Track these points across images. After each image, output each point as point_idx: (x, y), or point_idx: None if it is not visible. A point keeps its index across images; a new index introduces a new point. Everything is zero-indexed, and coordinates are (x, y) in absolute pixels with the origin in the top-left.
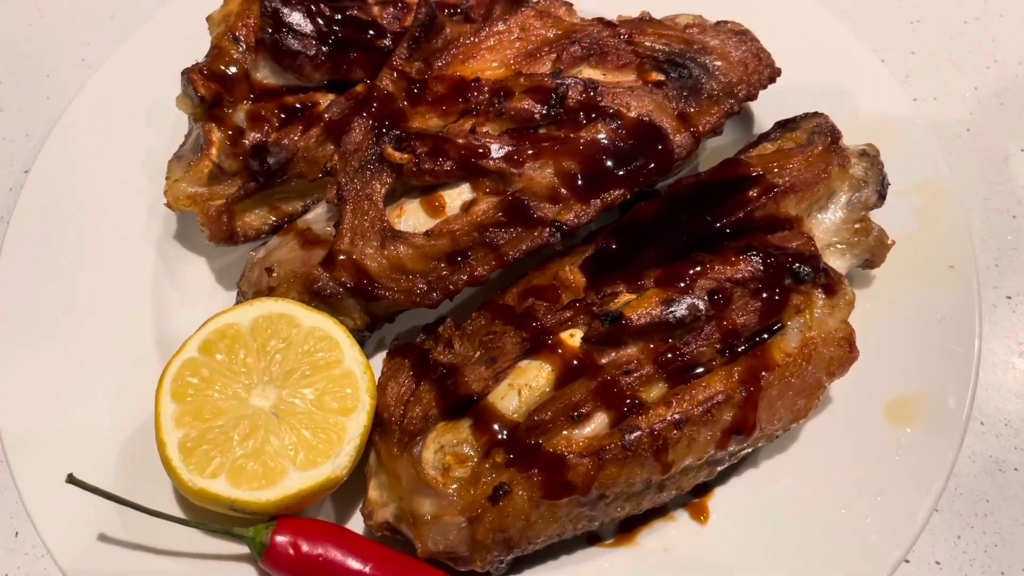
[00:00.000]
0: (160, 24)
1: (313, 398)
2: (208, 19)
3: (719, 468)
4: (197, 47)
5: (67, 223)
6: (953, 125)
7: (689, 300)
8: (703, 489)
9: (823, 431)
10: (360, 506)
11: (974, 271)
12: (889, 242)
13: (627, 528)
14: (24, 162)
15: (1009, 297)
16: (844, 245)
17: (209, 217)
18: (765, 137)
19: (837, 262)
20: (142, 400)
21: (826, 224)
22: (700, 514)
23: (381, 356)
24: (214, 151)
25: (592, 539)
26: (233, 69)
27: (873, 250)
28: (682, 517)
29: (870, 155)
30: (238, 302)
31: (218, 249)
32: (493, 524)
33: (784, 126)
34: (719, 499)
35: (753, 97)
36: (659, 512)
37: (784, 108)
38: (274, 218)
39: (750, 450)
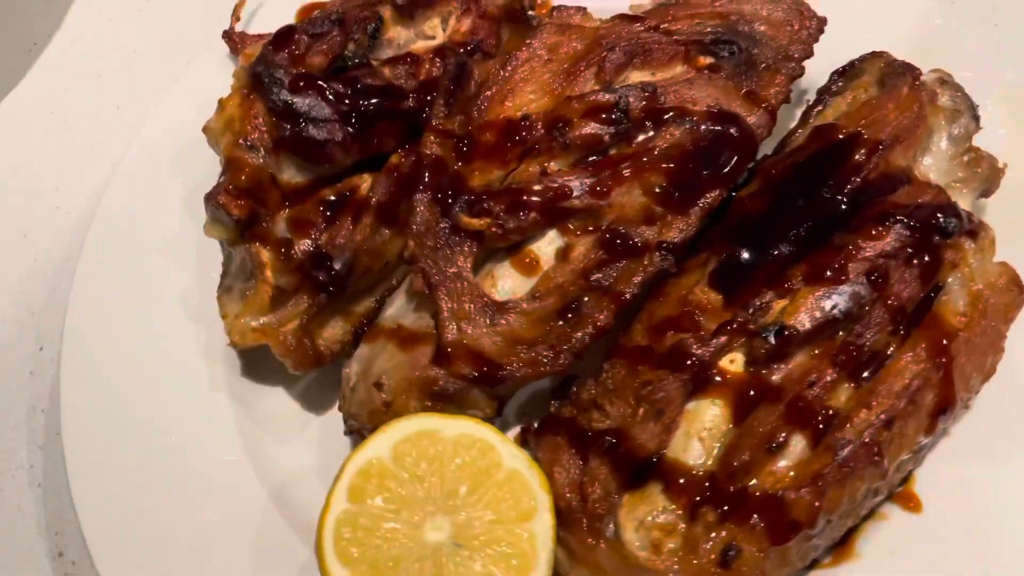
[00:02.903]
0: (144, 151)
1: (488, 513)
2: (205, 130)
3: (922, 453)
4: (194, 164)
5: (123, 394)
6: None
7: (850, 289)
8: (904, 477)
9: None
10: None
11: None
12: (1001, 165)
13: (842, 542)
14: (37, 338)
15: None
16: (961, 182)
17: (288, 347)
18: (827, 91)
19: (961, 202)
20: (285, 564)
21: (938, 166)
22: (910, 503)
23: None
24: (269, 273)
25: (810, 565)
26: (258, 179)
27: (990, 178)
28: (894, 513)
29: (947, 81)
30: (350, 427)
31: (291, 375)
32: None
33: (844, 74)
34: (923, 482)
35: (810, 54)
36: (868, 515)
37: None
38: (351, 325)
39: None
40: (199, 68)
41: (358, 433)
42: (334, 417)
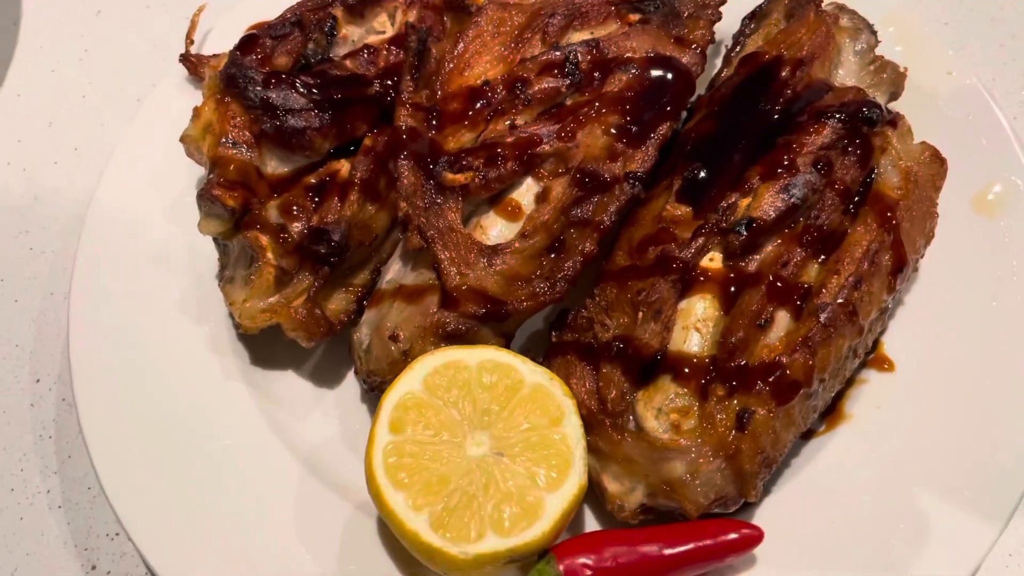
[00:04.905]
0: (119, 172)
1: (522, 422)
2: (184, 139)
3: (886, 316)
4: (170, 180)
5: (143, 400)
6: None
7: (803, 178)
8: (874, 344)
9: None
10: (606, 505)
11: (969, 69)
12: (903, 70)
13: (831, 409)
14: (31, 371)
15: None
16: (872, 87)
17: (299, 320)
18: (742, 34)
19: None
20: (331, 522)
21: (851, 76)
22: (884, 364)
23: None
24: (270, 255)
25: (807, 436)
26: (246, 171)
27: (895, 82)
28: (872, 376)
29: (844, 7)
30: (371, 385)
31: (297, 355)
32: (752, 448)
33: (754, 16)
34: (891, 345)
35: (724, 1)
36: (848, 384)
37: None
38: (354, 296)
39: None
40: (160, 92)
41: (379, 389)
42: (347, 387)
